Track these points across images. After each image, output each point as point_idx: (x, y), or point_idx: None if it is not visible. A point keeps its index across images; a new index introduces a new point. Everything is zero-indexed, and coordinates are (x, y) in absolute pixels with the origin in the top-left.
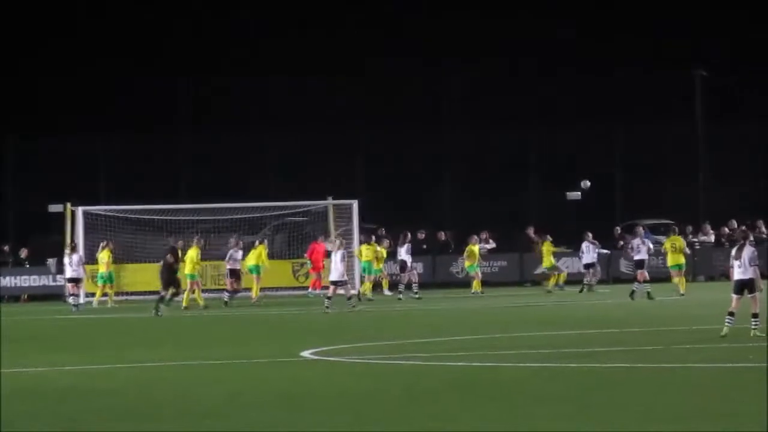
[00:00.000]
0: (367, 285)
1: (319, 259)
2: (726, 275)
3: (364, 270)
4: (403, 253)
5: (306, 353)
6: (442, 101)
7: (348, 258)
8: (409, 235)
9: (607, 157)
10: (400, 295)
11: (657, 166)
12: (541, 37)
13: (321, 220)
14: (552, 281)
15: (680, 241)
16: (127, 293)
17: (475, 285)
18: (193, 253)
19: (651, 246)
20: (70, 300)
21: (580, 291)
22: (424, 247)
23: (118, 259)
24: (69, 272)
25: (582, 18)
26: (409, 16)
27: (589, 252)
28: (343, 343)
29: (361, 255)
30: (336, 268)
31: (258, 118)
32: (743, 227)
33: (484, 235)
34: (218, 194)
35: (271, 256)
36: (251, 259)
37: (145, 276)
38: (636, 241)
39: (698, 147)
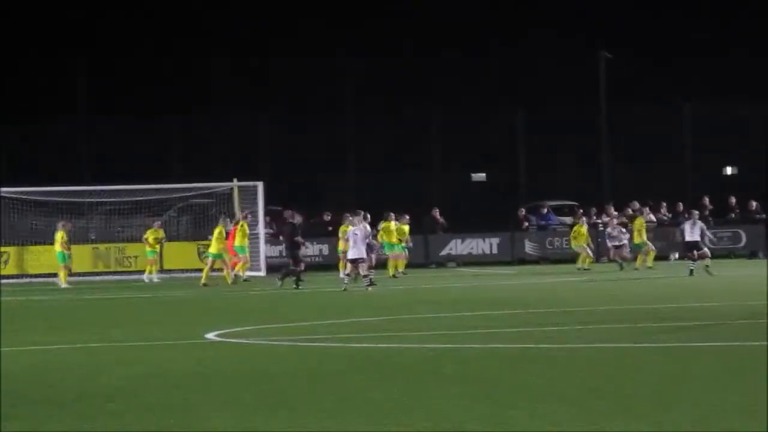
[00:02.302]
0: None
1: (230, 241)
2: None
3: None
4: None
5: (210, 335)
6: (344, 85)
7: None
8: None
9: (511, 138)
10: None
11: (561, 148)
12: (446, 19)
13: (226, 202)
14: (640, 259)
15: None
16: (30, 275)
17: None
18: (58, 236)
19: (702, 228)
20: None
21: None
22: (330, 229)
23: (19, 241)
24: None
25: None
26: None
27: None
28: (247, 324)
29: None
30: (356, 246)
31: (164, 99)
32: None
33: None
34: (123, 176)
35: (176, 237)
36: (212, 247)
37: (49, 258)
38: (688, 224)
39: (601, 129)
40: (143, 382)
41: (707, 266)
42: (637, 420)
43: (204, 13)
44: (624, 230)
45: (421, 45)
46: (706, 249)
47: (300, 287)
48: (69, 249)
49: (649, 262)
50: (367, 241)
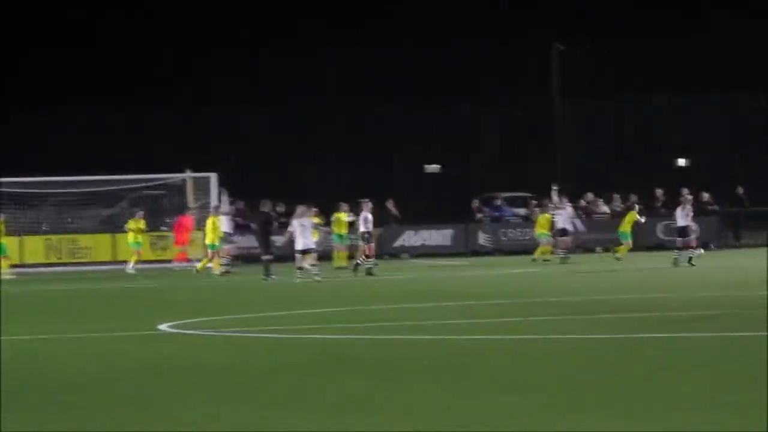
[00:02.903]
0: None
1: (184, 233)
2: (583, 247)
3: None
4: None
5: (164, 326)
6: (302, 78)
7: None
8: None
9: (465, 131)
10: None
11: (515, 140)
12: (403, 14)
13: (179, 193)
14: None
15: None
16: None
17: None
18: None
19: (690, 214)
20: None
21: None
22: (283, 221)
23: None
24: None
25: None
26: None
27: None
28: (202, 316)
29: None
30: (304, 237)
31: (118, 91)
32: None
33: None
34: (76, 167)
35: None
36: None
37: None
38: (680, 209)
39: (555, 121)
40: (99, 374)
41: (690, 258)
42: (604, 410)
43: (157, 1)
44: (576, 220)
45: (377, 39)
46: (692, 237)
47: (269, 278)
48: None
49: (620, 254)
50: (321, 230)
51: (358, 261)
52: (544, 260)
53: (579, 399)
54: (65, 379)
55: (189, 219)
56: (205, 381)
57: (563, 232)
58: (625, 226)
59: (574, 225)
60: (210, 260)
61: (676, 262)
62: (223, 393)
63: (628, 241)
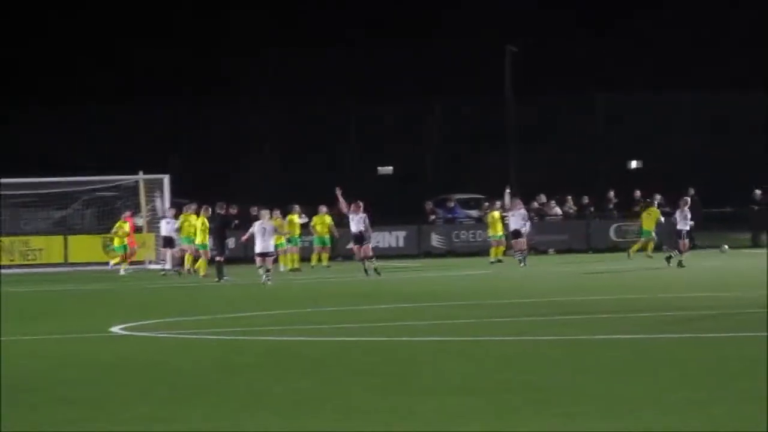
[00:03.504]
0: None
1: (128, 234)
2: (535, 248)
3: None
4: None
5: (116, 329)
6: (252, 78)
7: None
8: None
9: (418, 132)
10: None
11: (468, 142)
12: (355, 12)
13: (132, 195)
14: (648, 246)
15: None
16: None
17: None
18: None
19: (688, 216)
20: None
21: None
22: (236, 222)
23: None
24: None
25: None
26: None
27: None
28: (153, 318)
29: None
30: (264, 240)
31: (69, 91)
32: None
33: (297, 210)
34: (28, 169)
35: (81, 230)
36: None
37: None
38: (679, 212)
39: (508, 122)
40: (51, 375)
41: (680, 260)
42: (546, 411)
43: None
44: (528, 221)
45: (329, 37)
46: (687, 241)
47: (226, 279)
48: None
49: (649, 251)
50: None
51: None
52: (498, 260)
53: (524, 400)
54: (14, 381)
55: (131, 220)
56: (154, 382)
57: (517, 233)
58: (649, 224)
59: (527, 227)
60: (195, 260)
61: (681, 264)
62: (171, 394)
63: (654, 237)
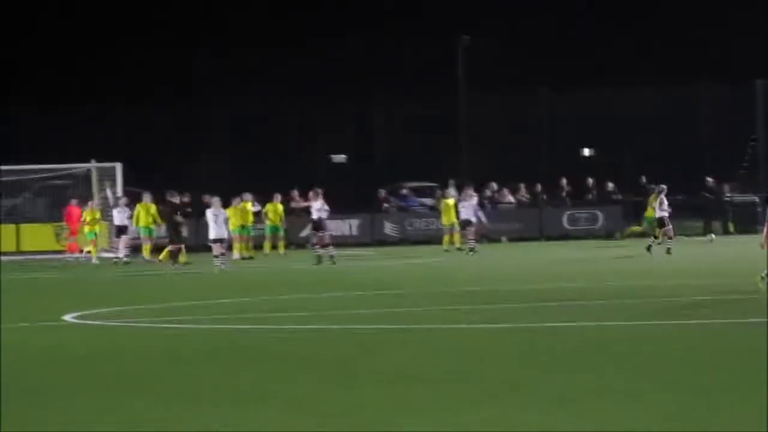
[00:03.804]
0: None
1: (74, 223)
2: (488, 237)
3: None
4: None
5: (68, 317)
6: (204, 68)
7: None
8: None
9: (371, 120)
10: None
11: (420, 130)
12: (306, 4)
13: (84, 183)
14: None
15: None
16: None
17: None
18: None
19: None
20: None
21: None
22: (189, 210)
23: None
24: None
25: None
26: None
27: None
28: (106, 307)
29: (138, 219)
30: (217, 227)
31: (23, 82)
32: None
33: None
34: None
35: (33, 219)
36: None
37: None
38: (656, 203)
39: (460, 110)
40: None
41: (669, 248)
42: (491, 401)
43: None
44: (479, 211)
45: (281, 30)
46: (670, 227)
47: (179, 267)
48: None
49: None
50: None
51: (318, 251)
52: (458, 248)
53: (470, 390)
54: None
55: (77, 209)
56: (101, 371)
57: (467, 222)
58: (650, 212)
59: (478, 216)
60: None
61: (669, 251)
62: (117, 383)
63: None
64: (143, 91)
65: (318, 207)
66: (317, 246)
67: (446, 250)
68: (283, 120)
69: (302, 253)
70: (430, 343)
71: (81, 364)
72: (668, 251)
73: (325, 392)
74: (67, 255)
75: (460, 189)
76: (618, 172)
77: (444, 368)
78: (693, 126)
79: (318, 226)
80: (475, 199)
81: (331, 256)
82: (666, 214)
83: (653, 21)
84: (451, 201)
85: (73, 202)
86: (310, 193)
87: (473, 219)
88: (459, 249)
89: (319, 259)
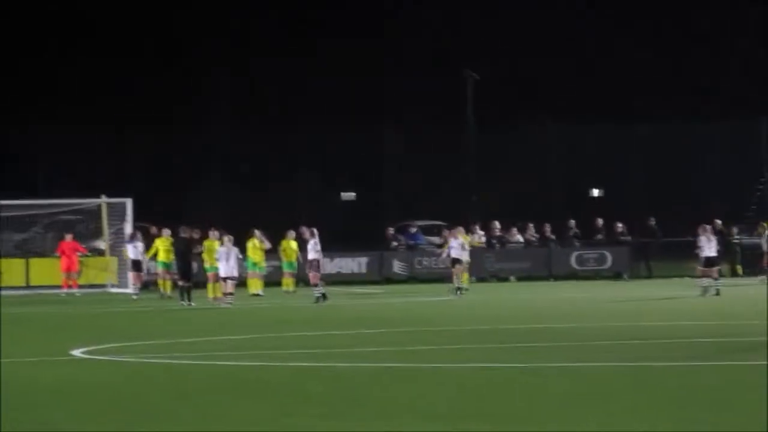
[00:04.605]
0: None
1: (70, 257)
2: (497, 275)
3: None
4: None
5: (76, 352)
6: (213, 101)
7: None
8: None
9: (378, 158)
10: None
11: (430, 168)
12: (315, 37)
13: (94, 218)
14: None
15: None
16: None
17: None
18: None
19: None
20: None
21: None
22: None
23: None
24: None
25: (353, 20)
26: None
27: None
28: (114, 342)
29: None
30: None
31: (30, 114)
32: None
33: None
34: None
35: (42, 253)
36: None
37: None
38: (703, 239)
39: (469, 149)
40: (2, 398)
41: (717, 289)
42: None
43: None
44: (465, 247)
45: (291, 65)
46: (717, 268)
47: (191, 303)
48: None
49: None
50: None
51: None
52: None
53: (479, 428)
54: None
55: (71, 243)
56: (107, 406)
57: (455, 261)
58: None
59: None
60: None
61: (704, 292)
62: (124, 418)
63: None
64: (154, 125)
65: (313, 245)
66: (316, 285)
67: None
68: (293, 156)
69: (309, 289)
70: (438, 380)
71: (88, 398)
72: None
73: (328, 428)
74: (63, 290)
75: (467, 228)
76: (626, 212)
77: (451, 406)
78: (701, 165)
79: (316, 265)
80: (461, 238)
81: (323, 294)
82: (716, 253)
83: (663, 60)
84: (469, 237)
85: (68, 236)
86: (308, 232)
87: (463, 258)
88: (465, 288)
89: (324, 297)
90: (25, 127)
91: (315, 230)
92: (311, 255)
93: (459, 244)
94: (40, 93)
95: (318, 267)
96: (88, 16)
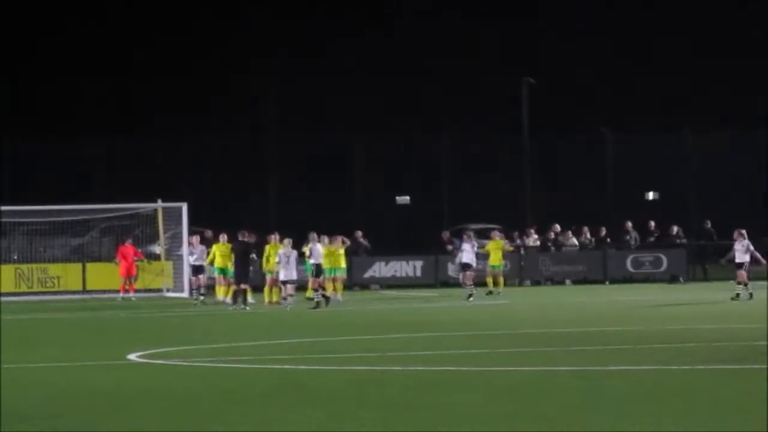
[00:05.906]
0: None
1: (128, 262)
2: (552, 279)
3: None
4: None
5: (132, 356)
6: (268, 106)
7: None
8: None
9: (435, 161)
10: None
11: (486, 172)
12: (373, 42)
13: (150, 223)
14: None
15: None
16: None
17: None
18: None
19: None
20: None
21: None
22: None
23: None
24: None
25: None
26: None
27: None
28: (172, 345)
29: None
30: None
31: (87, 120)
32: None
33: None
34: (46, 197)
35: (98, 258)
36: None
37: None
38: (739, 244)
39: (524, 152)
40: (60, 402)
41: (750, 293)
42: None
43: (118, 34)
44: (477, 253)
45: (346, 67)
46: (745, 272)
47: (245, 307)
48: None
49: None
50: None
51: (318, 296)
52: (498, 292)
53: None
54: (14, 409)
55: (130, 248)
56: (164, 411)
57: (467, 266)
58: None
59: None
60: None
61: (738, 297)
62: (180, 422)
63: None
64: (210, 131)
65: (317, 252)
66: (319, 290)
67: (489, 292)
68: (348, 160)
69: (364, 294)
70: (492, 383)
71: (145, 402)
72: (736, 297)
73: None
74: (121, 294)
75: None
76: (683, 215)
77: (505, 410)
78: (757, 170)
79: (318, 270)
80: (473, 242)
81: (327, 299)
82: (749, 259)
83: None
84: (499, 243)
85: (128, 241)
86: (309, 237)
87: (473, 263)
88: (489, 293)
89: (327, 301)
90: (79, 134)
91: (314, 235)
92: (314, 261)
93: (470, 248)
94: (95, 102)
95: (320, 272)
96: (148, 29)
